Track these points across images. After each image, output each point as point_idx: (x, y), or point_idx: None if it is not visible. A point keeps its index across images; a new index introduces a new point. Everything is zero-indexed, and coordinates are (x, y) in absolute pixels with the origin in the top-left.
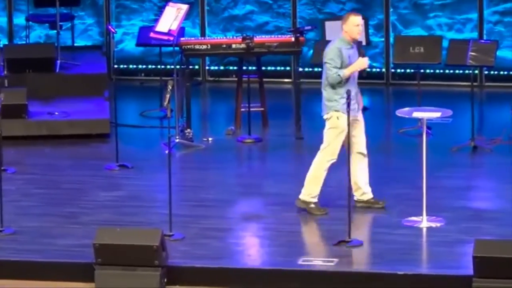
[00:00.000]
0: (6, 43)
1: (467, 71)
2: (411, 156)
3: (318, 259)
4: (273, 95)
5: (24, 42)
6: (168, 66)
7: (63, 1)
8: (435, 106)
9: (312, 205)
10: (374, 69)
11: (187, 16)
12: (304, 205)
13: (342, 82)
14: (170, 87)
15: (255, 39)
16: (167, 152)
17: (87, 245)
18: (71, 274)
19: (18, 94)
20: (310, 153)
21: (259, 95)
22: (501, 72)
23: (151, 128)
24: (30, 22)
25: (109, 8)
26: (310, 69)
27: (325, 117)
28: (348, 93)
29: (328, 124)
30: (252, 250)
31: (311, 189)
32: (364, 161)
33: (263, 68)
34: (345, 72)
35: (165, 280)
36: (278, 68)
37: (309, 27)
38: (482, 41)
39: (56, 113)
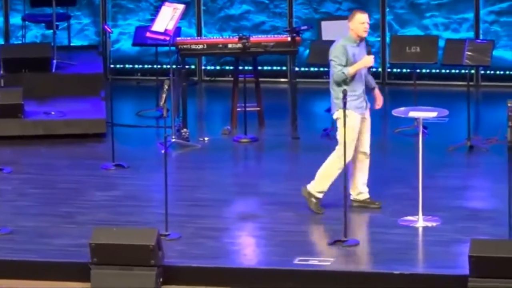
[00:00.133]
0: (2, 43)
1: (463, 71)
2: (407, 156)
3: (314, 258)
4: (269, 95)
5: (20, 42)
6: (164, 66)
7: (59, 1)
8: (431, 106)
9: (314, 200)
10: (371, 69)
11: (183, 16)
12: (307, 195)
13: (348, 80)
14: (166, 86)
15: (251, 39)
16: (163, 151)
17: (83, 245)
18: (67, 274)
19: (14, 94)
20: (306, 153)
21: (255, 95)
22: (497, 72)
23: (147, 127)
24: (27, 22)
25: (106, 7)
26: (306, 69)
27: (334, 116)
28: (344, 92)
29: (338, 123)
30: (248, 249)
31: (319, 184)
32: (365, 161)
33: (259, 67)
34: (350, 70)
35: (161, 279)
36: (274, 67)
37: (305, 27)
38: (478, 40)
39: (52, 112)
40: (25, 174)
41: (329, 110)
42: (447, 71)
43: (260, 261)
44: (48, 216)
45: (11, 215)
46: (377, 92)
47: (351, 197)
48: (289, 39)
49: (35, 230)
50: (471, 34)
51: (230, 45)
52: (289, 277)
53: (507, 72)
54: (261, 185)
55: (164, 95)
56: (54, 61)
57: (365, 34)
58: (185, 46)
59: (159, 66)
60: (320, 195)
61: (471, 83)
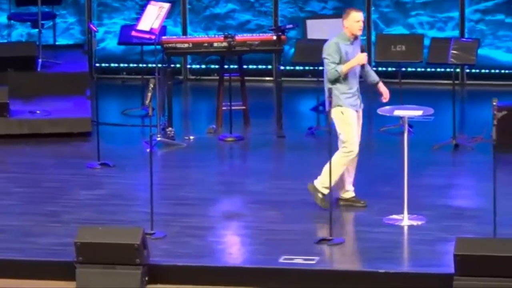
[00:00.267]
0: None
1: (448, 70)
2: (392, 154)
3: (299, 257)
4: (254, 94)
5: (5, 41)
6: (150, 65)
7: (44, 0)
8: (417, 104)
9: (320, 195)
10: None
11: (169, 14)
12: (313, 191)
13: (341, 78)
14: (151, 85)
15: (236, 37)
16: (148, 150)
17: (69, 244)
18: (52, 273)
19: (0, 93)
20: (291, 151)
21: (241, 94)
22: (483, 71)
23: (133, 126)
24: (12, 21)
25: (91, 6)
26: (292, 68)
27: (331, 115)
28: (330, 91)
29: (335, 121)
30: (233, 248)
31: (325, 179)
32: (354, 160)
33: (245, 66)
34: (343, 68)
35: (146, 278)
36: (260, 66)
37: (290, 26)
38: (464, 39)
39: (38, 111)
40: (10, 173)
41: (314, 109)
42: (433, 69)
43: (245, 259)
44: (33, 215)
45: None
46: (381, 85)
47: (338, 196)
48: (274, 38)
49: (20, 229)
50: (456, 33)
51: (215, 44)
52: (274, 275)
53: (492, 71)
54: (247, 183)
55: (149, 94)
56: (40, 60)
57: (359, 33)
58: (170, 45)
59: (144, 65)
60: (326, 191)
61: (456, 81)
